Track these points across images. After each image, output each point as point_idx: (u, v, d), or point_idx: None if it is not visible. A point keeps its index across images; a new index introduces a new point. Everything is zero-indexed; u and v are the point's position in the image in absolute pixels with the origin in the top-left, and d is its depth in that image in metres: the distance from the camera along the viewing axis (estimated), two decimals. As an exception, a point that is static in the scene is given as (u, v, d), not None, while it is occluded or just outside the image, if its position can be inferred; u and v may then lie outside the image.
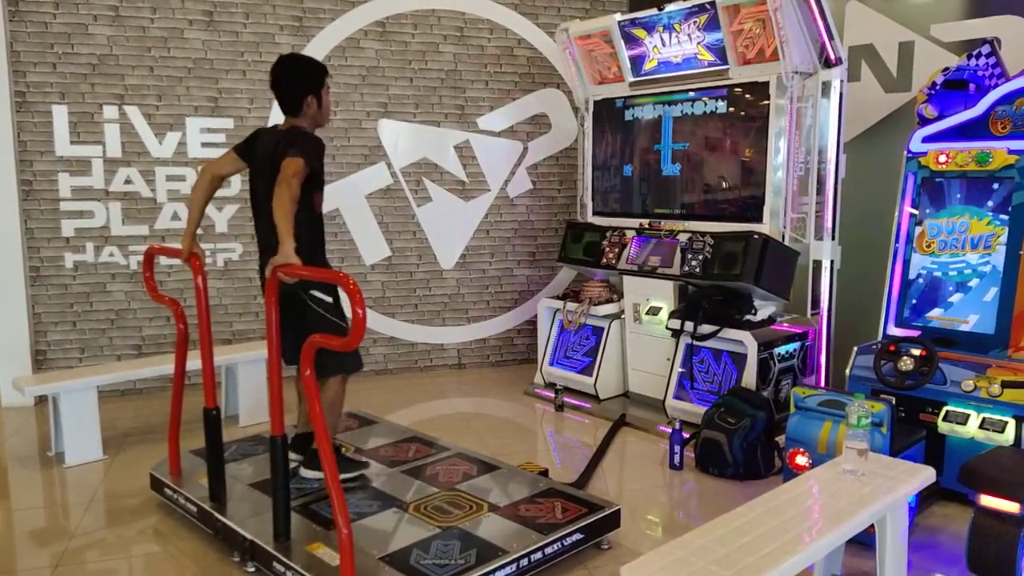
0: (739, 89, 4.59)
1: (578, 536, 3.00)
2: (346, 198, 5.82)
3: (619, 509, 3.17)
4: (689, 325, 4.46)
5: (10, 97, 5.03)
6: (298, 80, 3.23)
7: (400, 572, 2.66)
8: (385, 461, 3.69)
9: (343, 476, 3.28)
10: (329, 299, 3.28)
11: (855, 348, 3.84)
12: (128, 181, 5.35)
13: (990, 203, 3.71)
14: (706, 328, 4.41)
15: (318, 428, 2.63)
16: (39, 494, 3.88)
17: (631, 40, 5.02)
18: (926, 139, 3.93)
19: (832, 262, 4.43)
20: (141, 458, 4.14)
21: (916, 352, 3.55)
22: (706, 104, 4.78)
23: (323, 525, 3.00)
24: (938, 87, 3.97)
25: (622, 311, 5.14)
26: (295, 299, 3.15)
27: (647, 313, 4.90)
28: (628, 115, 5.28)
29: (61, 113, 5.18)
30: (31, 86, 5.12)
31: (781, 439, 3.63)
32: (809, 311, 4.52)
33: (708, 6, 4.47)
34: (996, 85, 3.82)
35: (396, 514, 3.14)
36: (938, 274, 3.84)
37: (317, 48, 5.61)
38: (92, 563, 3.12)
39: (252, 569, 2.96)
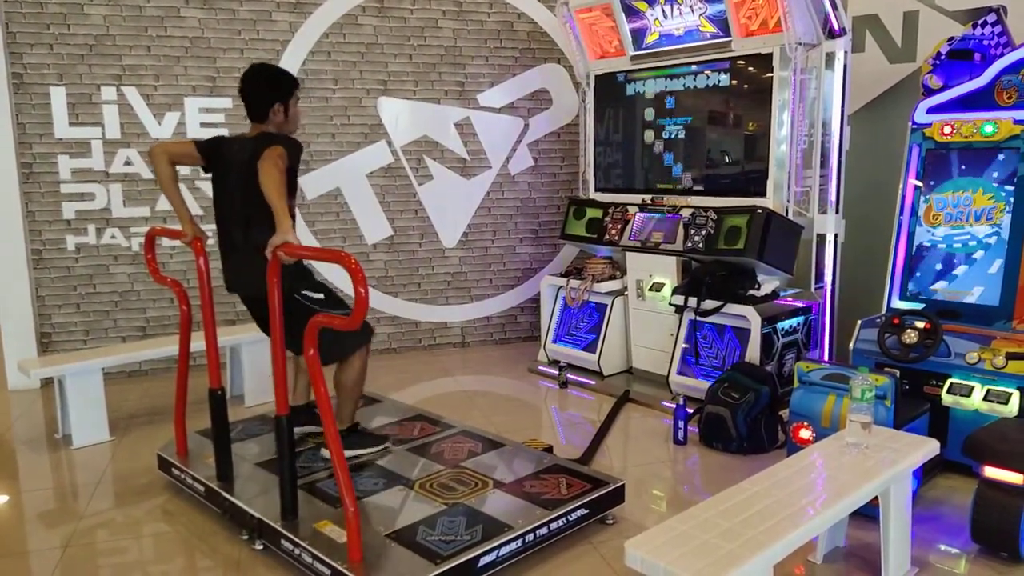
0: (742, 61, 4.54)
1: (583, 511, 3.01)
2: (347, 177, 5.80)
3: (623, 484, 3.18)
4: (692, 301, 4.45)
5: (7, 79, 5.00)
6: (266, 87, 3.22)
7: (407, 548, 2.68)
8: (390, 439, 3.71)
9: (364, 452, 3.43)
10: (320, 295, 3.25)
11: (859, 321, 3.83)
12: (128, 162, 5.33)
13: (995, 174, 3.68)
14: (709, 303, 4.40)
15: (323, 409, 2.63)
16: (47, 476, 3.91)
17: (632, 13, 4.96)
18: (931, 110, 3.90)
19: (836, 236, 4.41)
20: (148, 439, 4.17)
21: (920, 325, 3.55)
22: (708, 77, 4.73)
23: (330, 503, 3.02)
24: (943, 57, 3.92)
25: (625, 287, 5.13)
26: (287, 302, 2.93)
27: (650, 289, 4.90)
28: (630, 90, 5.24)
29: (59, 95, 5.15)
30: (28, 68, 5.08)
31: (785, 413, 3.63)
32: (813, 285, 4.51)
33: (710, -23, 4.41)
34: (1002, 54, 3.78)
35: (402, 491, 3.16)
36: (942, 246, 3.83)
37: (314, 25, 5.56)
38: (102, 543, 3.15)
39: (260, 547, 2.98)
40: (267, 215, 2.82)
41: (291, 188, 3.11)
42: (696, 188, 4.89)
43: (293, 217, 3.18)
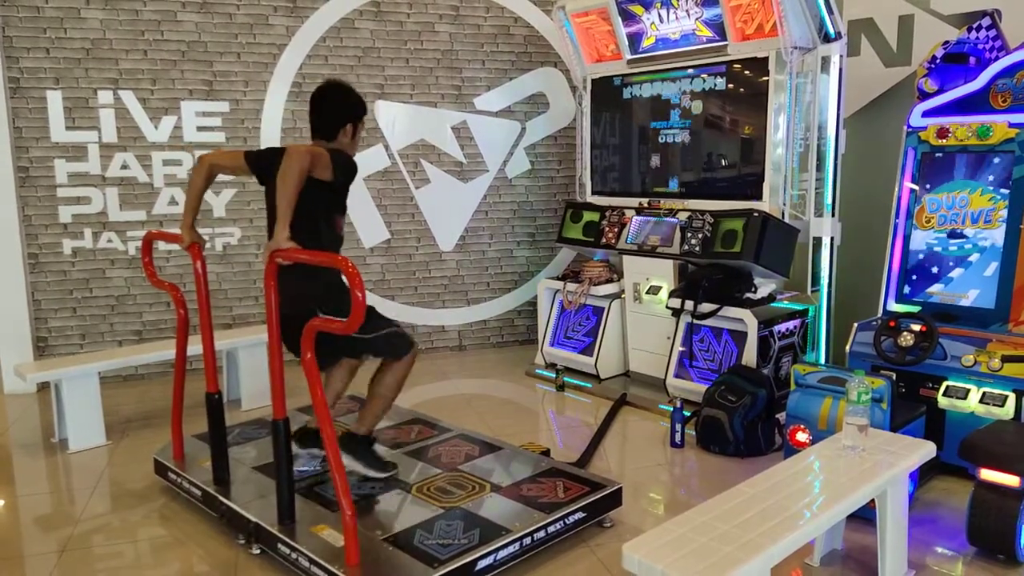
0: (738, 65, 4.55)
1: (580, 515, 3.01)
2: (344, 181, 5.79)
3: (621, 487, 3.18)
4: (689, 304, 4.45)
5: (4, 83, 4.99)
6: (343, 105, 3.16)
7: (404, 552, 2.68)
8: (388, 443, 3.71)
9: (363, 469, 3.25)
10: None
11: (855, 324, 3.84)
12: (124, 166, 5.33)
13: (991, 177, 3.69)
14: (706, 307, 4.40)
15: (319, 412, 2.63)
16: (44, 480, 3.90)
17: (628, 17, 4.97)
18: (926, 113, 3.91)
19: (832, 239, 4.42)
20: (144, 443, 4.16)
21: (916, 327, 3.56)
22: (705, 81, 4.74)
23: (327, 507, 3.02)
24: (938, 61, 3.94)
25: (622, 291, 5.14)
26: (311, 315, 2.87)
27: (647, 292, 4.90)
28: (626, 93, 5.25)
29: (56, 99, 5.14)
30: (25, 72, 5.08)
31: (782, 416, 3.64)
32: (809, 288, 4.52)
33: (706, -19, 4.43)
34: (996, 58, 3.80)
35: (399, 495, 3.16)
36: (938, 249, 3.84)
37: (312, 29, 5.56)
38: (98, 547, 3.14)
39: (257, 551, 2.98)
40: (300, 228, 2.76)
41: (340, 207, 3.10)
42: (693, 191, 4.90)
43: (341, 238, 3.17)
